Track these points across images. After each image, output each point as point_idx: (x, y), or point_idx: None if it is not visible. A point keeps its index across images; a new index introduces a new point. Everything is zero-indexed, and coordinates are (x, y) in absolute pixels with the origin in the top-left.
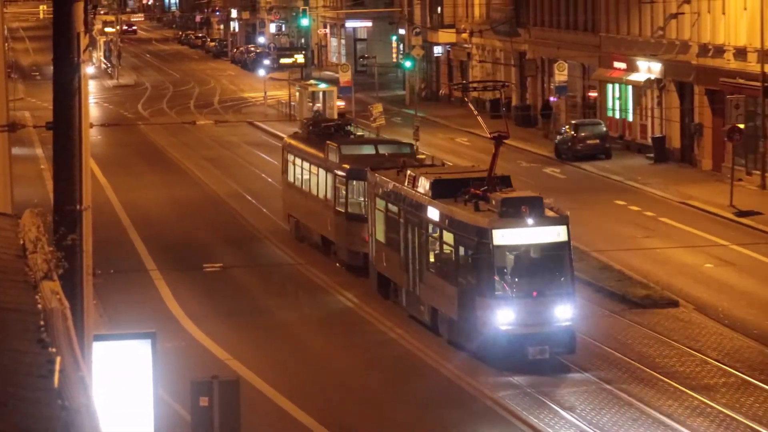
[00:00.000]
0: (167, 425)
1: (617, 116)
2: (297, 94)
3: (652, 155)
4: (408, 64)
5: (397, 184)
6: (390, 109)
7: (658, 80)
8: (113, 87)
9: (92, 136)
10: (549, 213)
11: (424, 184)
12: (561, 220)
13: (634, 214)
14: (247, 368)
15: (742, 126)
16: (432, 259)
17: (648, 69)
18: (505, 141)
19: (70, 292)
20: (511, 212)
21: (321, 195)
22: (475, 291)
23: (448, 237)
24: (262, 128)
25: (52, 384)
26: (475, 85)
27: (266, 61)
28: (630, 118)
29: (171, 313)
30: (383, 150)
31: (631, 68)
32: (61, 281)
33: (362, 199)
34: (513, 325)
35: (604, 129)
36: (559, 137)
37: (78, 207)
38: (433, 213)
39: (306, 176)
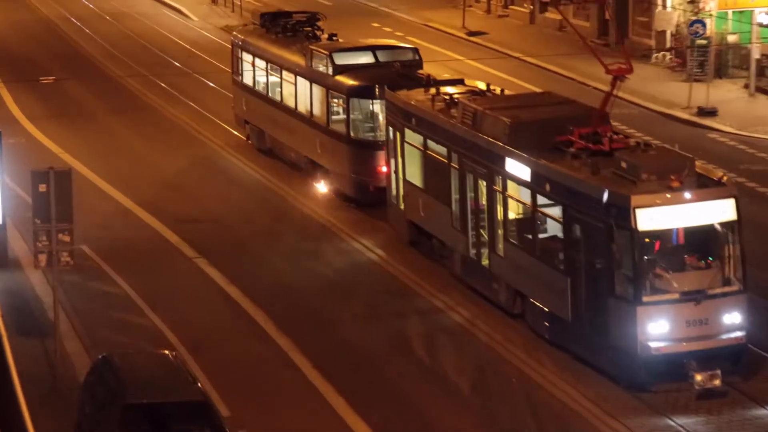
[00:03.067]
0: (13, 207)
1: None
2: None
3: None
4: None
5: (443, 117)
6: None
7: None
8: None
9: None
10: (708, 180)
11: (495, 125)
12: (727, 190)
13: (387, 34)
14: (77, 160)
15: None
16: (514, 228)
17: None
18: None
19: None
20: (656, 180)
21: (304, 110)
22: (607, 289)
23: (548, 206)
24: None
25: None
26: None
27: None
28: None
29: (13, 116)
30: (383, 57)
31: None
32: None
33: (359, 115)
34: (669, 340)
35: None
36: None
37: None
38: (516, 168)
39: (274, 80)
